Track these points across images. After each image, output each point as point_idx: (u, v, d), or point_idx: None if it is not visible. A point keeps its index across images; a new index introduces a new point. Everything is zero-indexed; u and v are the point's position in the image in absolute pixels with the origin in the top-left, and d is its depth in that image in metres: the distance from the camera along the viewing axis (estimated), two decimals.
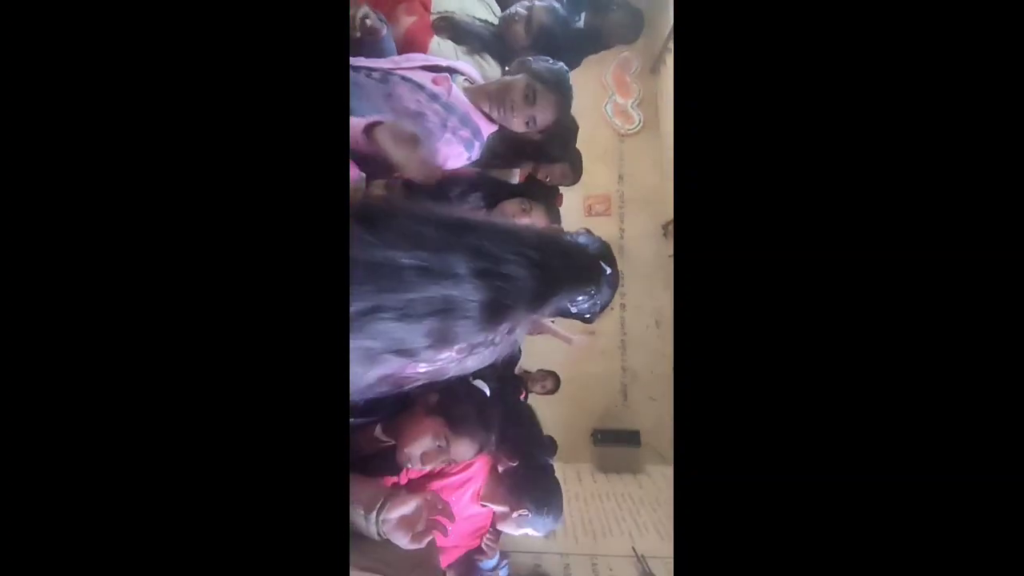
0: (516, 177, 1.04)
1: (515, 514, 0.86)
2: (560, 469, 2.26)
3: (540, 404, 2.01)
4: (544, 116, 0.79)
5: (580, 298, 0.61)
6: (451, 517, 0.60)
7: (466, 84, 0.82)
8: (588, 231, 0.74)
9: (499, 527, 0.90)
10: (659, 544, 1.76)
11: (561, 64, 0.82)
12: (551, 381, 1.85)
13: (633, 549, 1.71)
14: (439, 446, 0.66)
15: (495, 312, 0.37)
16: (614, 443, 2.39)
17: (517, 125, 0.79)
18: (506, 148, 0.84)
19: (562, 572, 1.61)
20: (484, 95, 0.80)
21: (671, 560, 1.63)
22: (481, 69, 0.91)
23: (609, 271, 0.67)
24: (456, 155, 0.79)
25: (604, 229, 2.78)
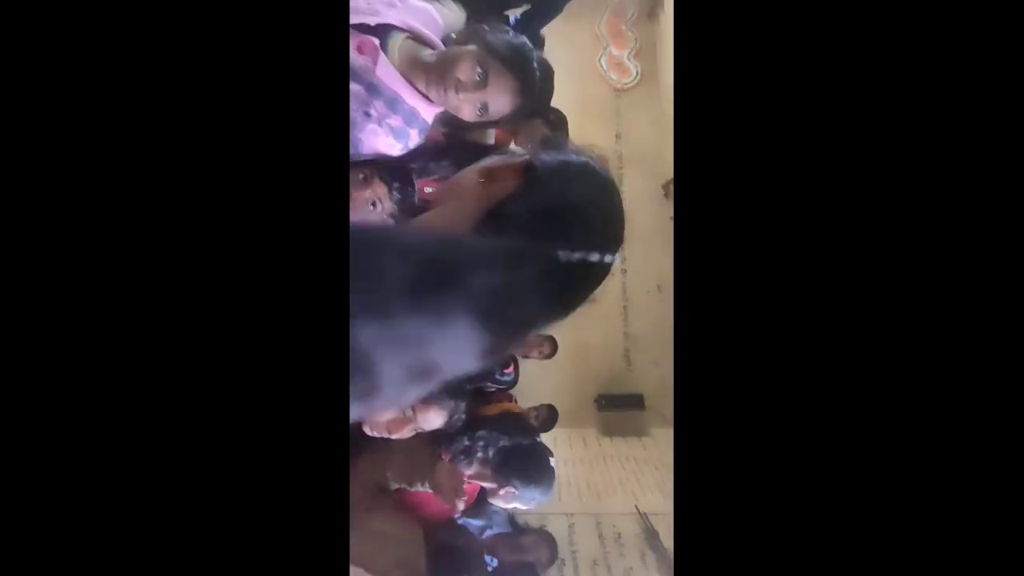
0: (491, 138, 0.92)
1: (502, 491, 0.88)
2: (565, 434, 2.34)
3: (543, 371, 2.04)
4: (499, 103, 0.61)
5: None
6: None
7: (408, 45, 0.64)
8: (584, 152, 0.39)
9: (489, 500, 0.92)
10: (662, 502, 1.83)
11: (524, 39, 0.65)
12: (548, 346, 1.84)
13: (636, 507, 1.78)
14: (405, 415, 0.65)
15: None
16: (618, 407, 2.44)
17: (466, 112, 0.62)
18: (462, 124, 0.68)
19: (567, 531, 1.68)
20: (421, 70, 0.63)
21: (672, 517, 1.70)
22: (441, 16, 0.72)
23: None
24: (386, 147, 0.64)
25: None
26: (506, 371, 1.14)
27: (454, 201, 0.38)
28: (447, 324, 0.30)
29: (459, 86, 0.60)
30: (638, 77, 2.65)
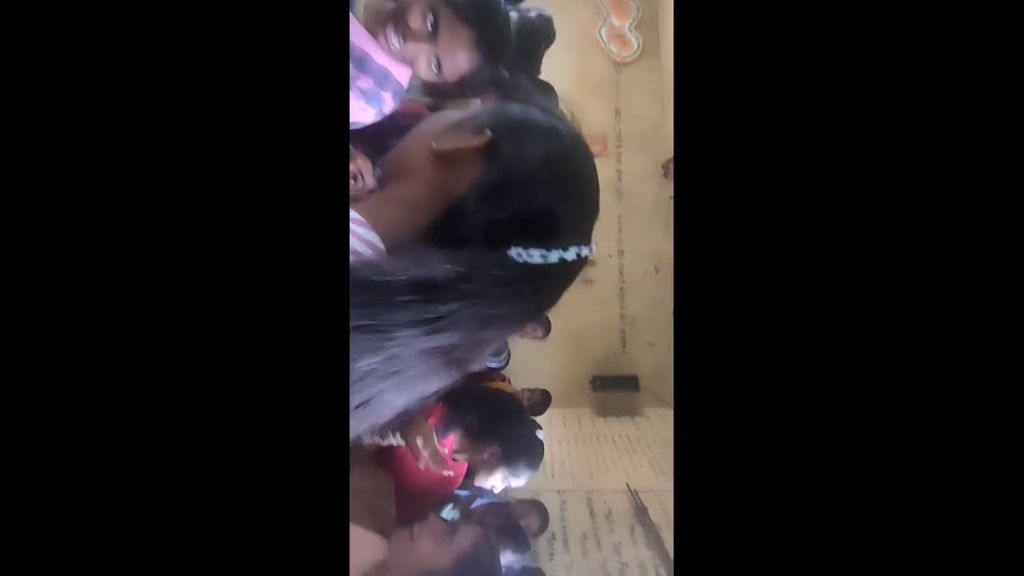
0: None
1: (487, 454, 0.87)
2: (559, 414, 2.38)
3: (539, 351, 2.05)
4: (453, 60, 0.54)
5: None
6: None
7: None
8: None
9: (478, 483, 0.93)
10: (653, 479, 1.87)
11: None
12: (542, 329, 1.83)
13: (627, 485, 1.83)
14: None
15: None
16: (613, 388, 2.47)
17: (421, 67, 0.56)
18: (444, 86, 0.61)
19: (558, 506, 1.73)
20: (380, 18, 0.56)
21: (662, 494, 1.76)
22: None
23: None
24: (358, 113, 0.57)
25: (600, 172, 2.64)
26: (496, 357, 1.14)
27: (406, 185, 0.34)
28: (397, 362, 0.28)
29: (409, 34, 0.54)
30: (639, 50, 2.56)
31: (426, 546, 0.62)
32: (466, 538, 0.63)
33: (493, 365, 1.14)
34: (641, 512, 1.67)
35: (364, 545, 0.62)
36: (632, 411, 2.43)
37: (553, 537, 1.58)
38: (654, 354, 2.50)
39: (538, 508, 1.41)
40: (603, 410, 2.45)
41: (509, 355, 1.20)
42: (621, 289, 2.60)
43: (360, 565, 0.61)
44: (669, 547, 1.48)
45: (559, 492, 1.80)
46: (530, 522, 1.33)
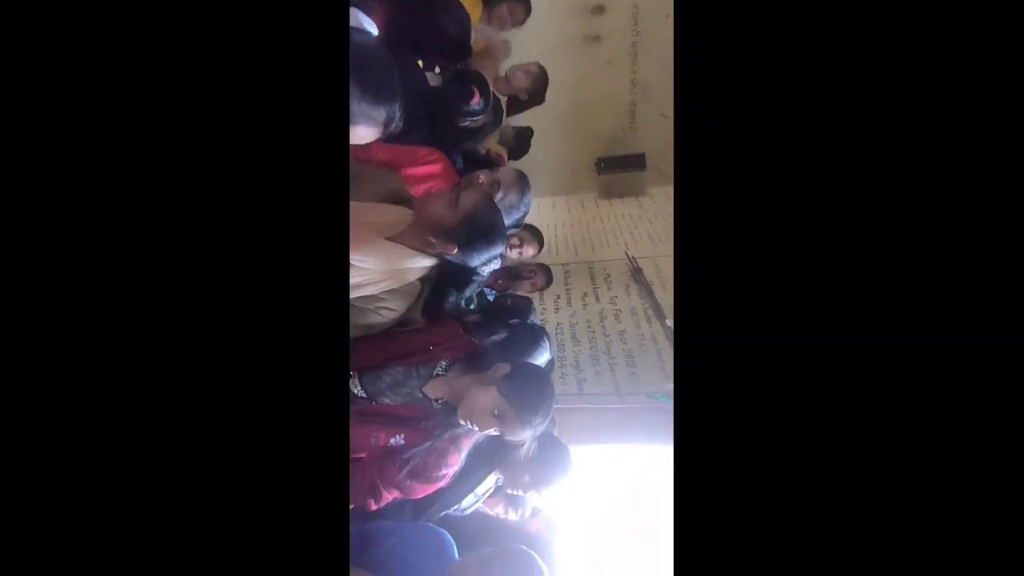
0: None
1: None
2: (563, 201, 2.44)
3: (542, 138, 1.94)
4: None
5: None
6: None
7: None
8: None
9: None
10: (650, 248, 2.07)
11: None
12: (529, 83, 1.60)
13: (625, 253, 2.03)
14: None
15: None
16: (618, 169, 2.45)
17: None
18: None
19: (562, 276, 1.98)
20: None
21: (658, 258, 1.96)
22: None
23: None
24: None
25: None
26: (472, 102, 1.07)
27: None
28: None
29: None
30: None
31: (440, 207, 0.74)
32: (470, 198, 0.75)
33: (473, 109, 1.08)
34: (636, 272, 1.91)
35: (389, 212, 0.77)
36: (637, 191, 2.47)
37: (557, 297, 1.88)
38: (665, 127, 2.35)
39: (543, 269, 1.57)
40: (608, 192, 2.50)
41: (489, 99, 1.11)
42: (634, 45, 2.24)
43: (390, 225, 0.76)
44: (659, 297, 1.75)
45: (563, 265, 2.04)
46: (536, 280, 1.51)
